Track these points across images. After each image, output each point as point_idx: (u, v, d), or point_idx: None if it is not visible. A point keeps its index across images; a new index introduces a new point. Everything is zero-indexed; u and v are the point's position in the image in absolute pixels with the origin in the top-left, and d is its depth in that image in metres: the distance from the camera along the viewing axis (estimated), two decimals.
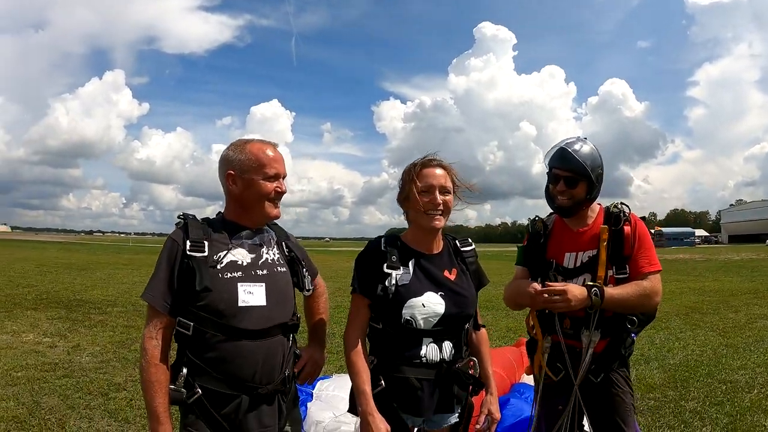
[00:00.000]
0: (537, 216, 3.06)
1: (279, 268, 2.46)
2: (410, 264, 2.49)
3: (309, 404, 4.91)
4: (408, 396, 2.43)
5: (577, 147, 2.76)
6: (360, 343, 2.46)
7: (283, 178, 2.45)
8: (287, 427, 2.47)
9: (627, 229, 2.73)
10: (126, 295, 15.05)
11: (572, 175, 2.73)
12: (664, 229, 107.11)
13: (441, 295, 2.45)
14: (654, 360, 7.66)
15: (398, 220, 2.70)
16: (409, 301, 2.41)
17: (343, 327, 2.67)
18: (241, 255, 2.36)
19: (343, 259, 40.49)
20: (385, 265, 2.45)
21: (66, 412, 5.41)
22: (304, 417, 4.76)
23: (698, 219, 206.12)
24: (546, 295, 2.59)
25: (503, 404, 4.75)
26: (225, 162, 2.43)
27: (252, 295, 2.29)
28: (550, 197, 2.86)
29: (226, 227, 2.42)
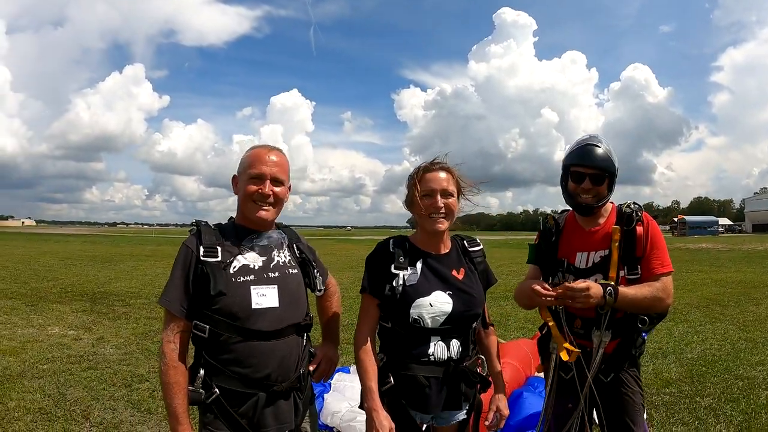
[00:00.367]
0: (549, 213, 3.05)
1: (290, 270, 2.53)
2: (418, 264, 2.55)
3: (326, 395, 5.01)
4: (416, 393, 2.49)
5: (598, 143, 2.75)
6: (369, 342, 2.53)
7: (275, 182, 2.48)
8: (305, 424, 2.56)
9: (639, 229, 2.71)
10: (149, 286, 15.26)
11: (598, 172, 2.72)
12: (687, 218, 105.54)
13: (449, 294, 2.50)
14: (672, 354, 7.62)
15: None
16: (416, 300, 2.46)
17: None
18: (252, 258, 2.43)
19: (364, 247, 40.18)
20: (392, 265, 2.52)
21: (90, 403, 5.55)
22: (322, 407, 4.87)
23: (722, 207, 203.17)
24: (567, 292, 2.58)
25: (516, 398, 4.78)
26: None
27: (265, 297, 2.37)
28: (571, 196, 2.82)
29: (237, 232, 2.50)
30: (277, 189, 2.48)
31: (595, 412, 2.86)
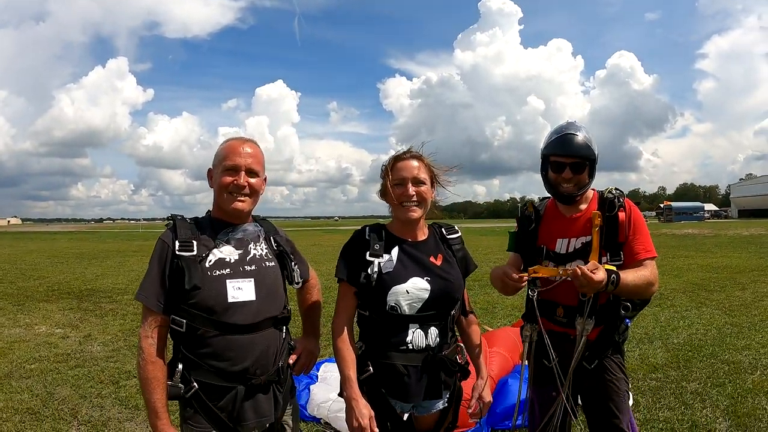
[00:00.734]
0: (528, 200, 3.05)
1: (267, 263, 2.52)
2: (394, 251, 2.55)
3: (313, 386, 5.03)
4: (395, 382, 2.50)
5: (576, 131, 2.72)
6: (346, 331, 2.53)
7: (250, 173, 2.47)
8: (286, 417, 2.57)
9: (622, 215, 2.69)
10: (136, 282, 15.07)
11: (578, 161, 2.70)
12: (673, 204, 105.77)
13: (427, 280, 2.50)
14: (658, 339, 7.69)
15: None
16: (393, 288, 2.46)
17: None
18: (228, 252, 2.43)
19: None
20: (368, 253, 2.51)
21: (78, 401, 5.55)
22: (309, 398, 4.88)
23: (708, 193, 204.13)
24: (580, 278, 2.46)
25: (501, 386, 4.82)
26: None
27: (241, 290, 2.36)
28: (552, 185, 2.81)
29: (213, 225, 2.49)
30: (252, 180, 2.47)
31: (579, 399, 2.88)
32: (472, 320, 2.79)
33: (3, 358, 7.25)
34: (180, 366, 2.33)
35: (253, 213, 2.64)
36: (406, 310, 2.47)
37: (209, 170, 2.54)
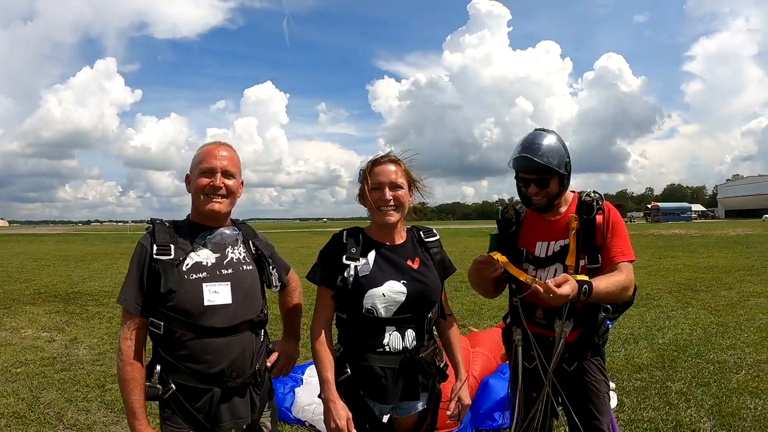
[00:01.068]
0: (508, 203, 3.04)
1: (245, 267, 2.54)
2: (371, 255, 2.56)
3: (298, 389, 5.03)
4: (373, 384, 2.51)
5: (537, 148, 2.69)
6: (324, 333, 2.55)
7: (227, 174, 2.49)
8: (264, 419, 2.60)
9: (599, 218, 2.69)
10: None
11: (541, 177, 2.69)
12: (661, 205, 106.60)
13: (404, 283, 2.52)
14: (643, 339, 7.74)
15: None
16: (369, 291, 2.48)
17: None
18: (205, 255, 2.46)
19: None
20: (344, 256, 2.53)
21: (64, 405, 5.52)
22: (293, 401, 4.89)
23: (695, 194, 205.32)
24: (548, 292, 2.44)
25: (484, 386, 4.84)
26: None
27: (217, 294, 2.39)
28: (523, 198, 2.83)
29: (192, 229, 2.51)
30: (228, 182, 2.49)
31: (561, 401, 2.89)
32: (451, 322, 2.80)
33: None
34: (158, 367, 2.37)
35: (233, 216, 2.67)
36: (383, 312, 2.49)
37: (187, 176, 2.57)
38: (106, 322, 9.85)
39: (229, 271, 2.47)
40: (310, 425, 4.74)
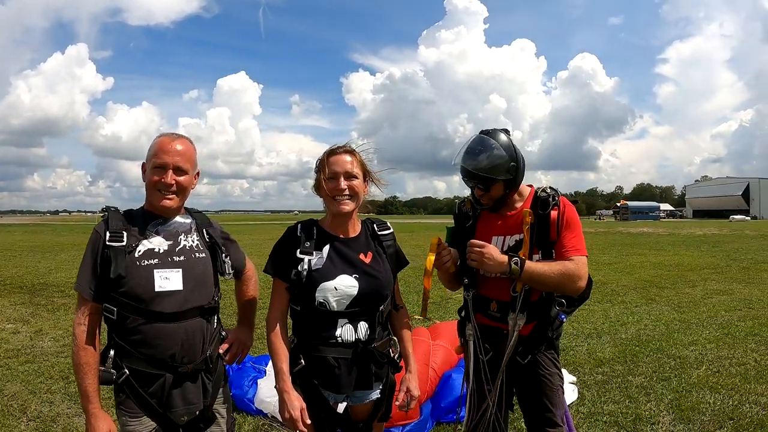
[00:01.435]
0: (465, 197, 3.04)
1: (197, 254, 2.58)
2: (325, 248, 2.59)
3: (260, 381, 5.05)
4: (326, 374, 2.56)
5: (477, 154, 2.76)
6: (278, 325, 2.58)
7: (179, 171, 2.52)
8: (217, 405, 2.64)
9: (554, 214, 2.73)
10: None
11: (482, 181, 2.76)
12: (630, 203, 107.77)
13: (355, 277, 2.55)
14: (606, 334, 7.86)
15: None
16: (321, 285, 2.51)
17: None
18: (158, 243, 2.50)
19: None
20: (297, 250, 2.56)
21: (28, 397, 5.48)
22: (256, 392, 4.92)
23: (664, 194, 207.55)
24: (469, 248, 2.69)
25: (446, 380, 4.89)
26: None
27: (168, 280, 2.43)
28: (474, 197, 2.89)
29: (145, 217, 2.55)
30: (180, 178, 2.52)
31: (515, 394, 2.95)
32: (402, 314, 2.83)
33: None
34: (112, 352, 2.41)
35: (188, 206, 2.72)
36: (335, 306, 2.52)
37: (143, 164, 2.59)
38: (72, 314, 9.62)
39: (181, 258, 2.51)
40: (272, 416, 4.76)
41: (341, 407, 2.70)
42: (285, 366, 2.53)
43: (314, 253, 2.56)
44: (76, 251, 24.28)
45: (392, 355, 2.72)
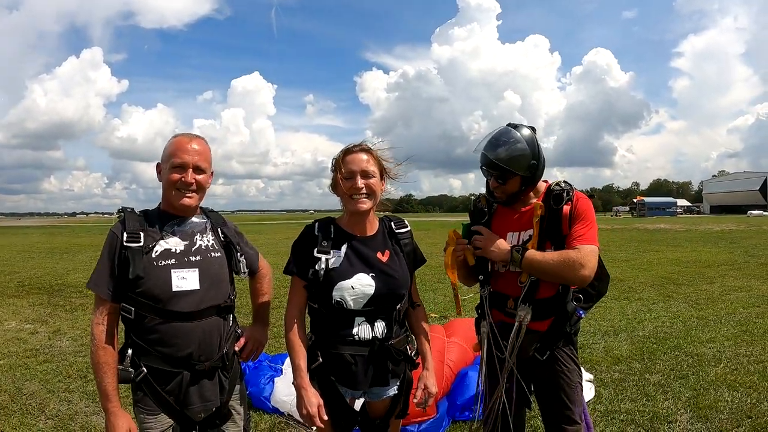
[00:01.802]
0: (480, 194, 3.04)
1: (213, 254, 2.61)
2: (343, 247, 2.60)
3: (277, 379, 5.06)
4: (343, 370, 2.57)
5: (500, 146, 2.73)
6: (296, 322, 2.60)
7: (197, 170, 2.55)
8: (233, 402, 2.67)
9: (566, 208, 2.70)
10: None
11: (500, 173, 2.73)
12: (646, 199, 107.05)
13: (372, 276, 2.56)
14: (623, 331, 7.80)
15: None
16: (338, 284, 2.52)
17: None
18: (174, 243, 2.52)
19: None
20: (315, 249, 2.57)
21: (46, 396, 5.54)
22: (272, 391, 4.93)
23: (681, 189, 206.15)
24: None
25: (462, 378, 4.87)
26: None
27: (185, 280, 2.46)
28: (489, 189, 2.88)
29: (161, 218, 2.58)
30: (199, 177, 2.55)
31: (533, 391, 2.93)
32: (419, 312, 2.84)
33: None
34: (130, 351, 2.44)
35: (203, 206, 2.73)
36: (352, 304, 2.53)
37: (158, 164, 2.62)
38: (90, 313, 9.64)
39: (198, 257, 2.54)
40: (289, 414, 4.78)
41: (358, 404, 2.72)
42: (303, 363, 2.54)
43: (332, 252, 2.57)
44: (94, 252, 24.47)
45: (409, 352, 2.73)
